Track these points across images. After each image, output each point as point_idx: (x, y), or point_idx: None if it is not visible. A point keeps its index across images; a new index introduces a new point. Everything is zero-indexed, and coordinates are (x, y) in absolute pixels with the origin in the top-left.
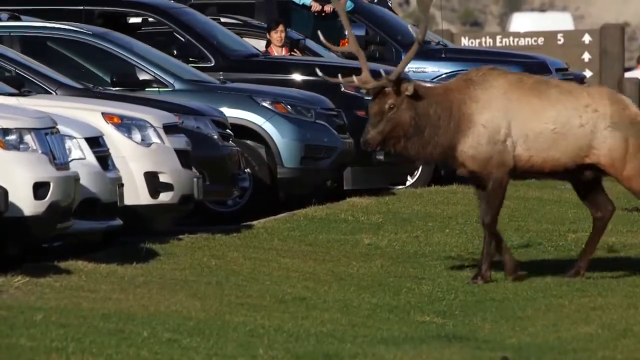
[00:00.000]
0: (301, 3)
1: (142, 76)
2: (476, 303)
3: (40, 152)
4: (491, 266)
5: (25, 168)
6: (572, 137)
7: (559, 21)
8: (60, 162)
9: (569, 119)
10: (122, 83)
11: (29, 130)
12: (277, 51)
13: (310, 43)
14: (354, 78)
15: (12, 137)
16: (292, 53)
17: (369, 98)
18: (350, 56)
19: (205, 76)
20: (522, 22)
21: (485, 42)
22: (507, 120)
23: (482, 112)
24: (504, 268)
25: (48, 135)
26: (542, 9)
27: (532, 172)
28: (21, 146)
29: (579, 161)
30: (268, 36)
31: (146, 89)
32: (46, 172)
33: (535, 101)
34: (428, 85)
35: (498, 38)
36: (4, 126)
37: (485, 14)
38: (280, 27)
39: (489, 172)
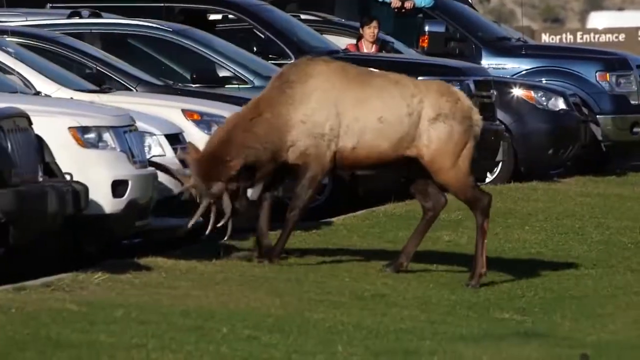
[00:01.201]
0: (384, 0)
1: (222, 73)
2: (556, 300)
3: (119, 150)
4: (280, 253)
5: (104, 166)
6: (398, 127)
7: (637, 20)
8: (138, 160)
9: (396, 108)
10: (202, 80)
11: (108, 128)
12: (368, 47)
13: (391, 39)
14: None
15: (91, 135)
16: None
17: None
18: (431, 53)
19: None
20: (599, 21)
21: (566, 39)
22: (327, 112)
23: (299, 109)
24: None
25: (127, 133)
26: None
27: (358, 166)
28: (100, 144)
29: (401, 152)
30: (360, 31)
31: (226, 86)
32: (125, 170)
33: (359, 90)
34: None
35: (579, 34)
36: (83, 124)
37: (566, 11)
38: (374, 23)
39: (305, 164)
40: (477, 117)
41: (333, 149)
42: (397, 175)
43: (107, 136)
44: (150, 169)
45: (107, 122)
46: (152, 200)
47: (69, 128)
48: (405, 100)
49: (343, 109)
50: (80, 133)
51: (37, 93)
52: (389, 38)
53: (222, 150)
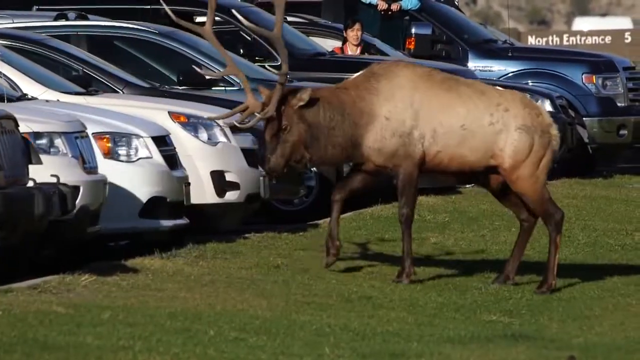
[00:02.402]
0: (367, 2)
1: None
2: (543, 302)
3: (70, 155)
4: (413, 262)
5: (55, 172)
6: (480, 135)
7: (620, 25)
8: (89, 165)
9: (479, 117)
10: (189, 82)
11: (59, 134)
12: (352, 49)
13: (375, 42)
14: (241, 109)
15: (42, 141)
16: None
17: None
18: (417, 55)
19: (271, 75)
20: (584, 27)
21: (552, 41)
22: (412, 112)
23: (384, 104)
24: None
25: (78, 139)
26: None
27: (439, 169)
28: (51, 150)
29: (485, 162)
30: (344, 34)
31: (212, 88)
32: (76, 175)
33: (445, 96)
34: (318, 89)
35: (565, 37)
36: (35, 130)
37: (552, 13)
38: (357, 26)
39: (396, 165)
40: (555, 132)
41: (421, 149)
42: (477, 183)
43: (58, 142)
44: (101, 174)
45: (59, 128)
46: (102, 206)
47: (22, 134)
48: (489, 109)
49: (427, 112)
50: (32, 138)
51: (24, 95)
52: (372, 40)
53: (300, 89)
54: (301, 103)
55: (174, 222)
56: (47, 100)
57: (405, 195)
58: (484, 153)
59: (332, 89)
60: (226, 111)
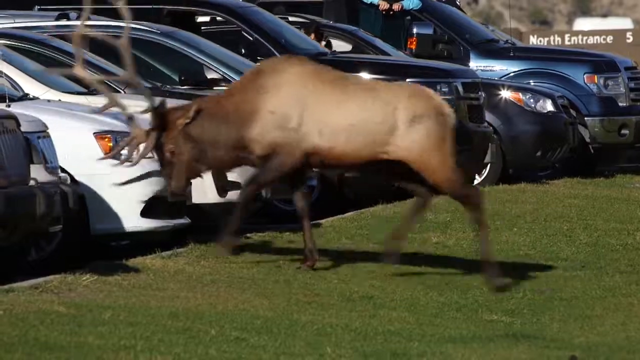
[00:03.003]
0: (369, 2)
1: (210, 75)
2: (544, 302)
3: None
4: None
5: None
6: (371, 132)
7: (621, 26)
8: (51, 166)
9: (369, 114)
10: (190, 82)
11: None
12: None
13: (377, 42)
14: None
15: None
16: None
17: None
18: (419, 55)
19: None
20: (584, 27)
21: (554, 41)
22: (299, 108)
23: (269, 100)
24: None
25: (40, 139)
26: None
27: (334, 165)
28: None
29: (379, 157)
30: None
31: (214, 88)
32: (38, 176)
33: (334, 93)
34: (200, 101)
35: (567, 37)
36: None
37: (554, 13)
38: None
39: (274, 152)
40: (448, 110)
41: (307, 145)
42: (386, 179)
43: None
44: (63, 175)
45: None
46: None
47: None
48: (378, 107)
49: (315, 109)
50: None
51: (26, 95)
52: (373, 40)
53: (184, 107)
54: (186, 120)
55: (175, 222)
56: (48, 100)
57: (264, 176)
58: (378, 148)
59: (216, 99)
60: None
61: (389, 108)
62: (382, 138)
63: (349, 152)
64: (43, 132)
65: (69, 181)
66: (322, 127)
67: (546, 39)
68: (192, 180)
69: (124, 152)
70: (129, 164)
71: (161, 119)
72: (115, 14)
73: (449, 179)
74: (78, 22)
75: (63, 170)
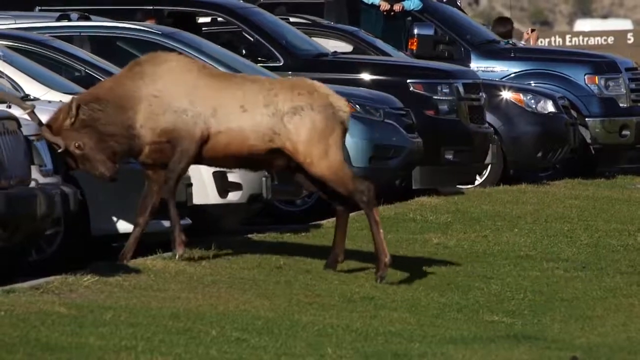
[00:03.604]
0: (370, 2)
1: None
2: (545, 302)
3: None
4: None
5: None
6: (258, 116)
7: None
8: (46, 169)
9: (255, 99)
10: None
11: None
12: None
13: (377, 42)
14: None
15: None
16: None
17: (437, 98)
18: (420, 56)
19: (274, 75)
20: (584, 28)
21: (555, 42)
22: (186, 90)
23: (150, 84)
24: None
25: (34, 142)
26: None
27: (218, 153)
28: None
29: (265, 146)
30: None
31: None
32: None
33: (220, 78)
34: (78, 98)
35: (567, 37)
36: None
37: (555, 14)
38: None
39: (172, 140)
40: (339, 103)
41: (202, 126)
42: (261, 169)
43: None
44: (57, 177)
45: None
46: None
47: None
48: (262, 93)
49: (204, 92)
50: None
51: (26, 96)
52: (374, 40)
53: (62, 109)
54: (71, 119)
55: None
56: (49, 101)
57: (173, 168)
58: (263, 136)
59: (91, 90)
60: None
61: (270, 94)
62: (268, 125)
63: (238, 138)
64: (38, 135)
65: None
66: (215, 109)
67: (547, 39)
68: (192, 181)
69: None
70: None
71: (50, 129)
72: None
73: (334, 172)
74: (79, 23)
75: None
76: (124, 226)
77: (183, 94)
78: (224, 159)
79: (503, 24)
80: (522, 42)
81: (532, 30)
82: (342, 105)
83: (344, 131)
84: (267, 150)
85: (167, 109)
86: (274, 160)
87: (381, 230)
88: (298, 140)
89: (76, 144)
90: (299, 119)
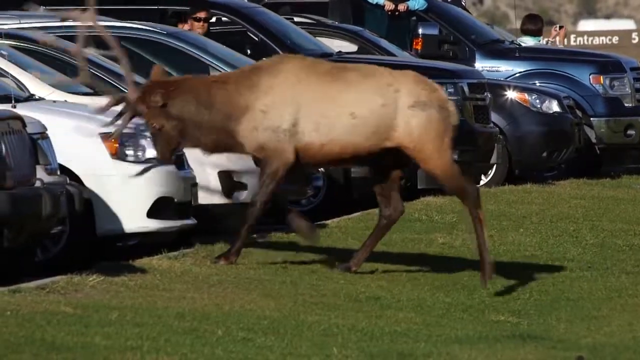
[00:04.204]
0: (374, 2)
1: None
2: (551, 302)
3: None
4: (239, 252)
5: None
6: (373, 120)
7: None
8: (51, 168)
9: (369, 101)
10: None
11: None
12: None
13: (382, 42)
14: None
15: None
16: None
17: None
18: (425, 55)
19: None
20: (588, 28)
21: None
22: (293, 107)
23: (260, 98)
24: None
25: (39, 140)
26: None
27: (333, 160)
28: None
29: (380, 144)
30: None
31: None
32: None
33: (330, 85)
34: (189, 81)
35: (572, 37)
36: None
37: (560, 13)
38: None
39: (265, 157)
40: (452, 108)
41: (299, 145)
42: (374, 169)
43: None
44: (62, 176)
45: None
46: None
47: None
48: (379, 91)
49: (309, 105)
50: None
51: (31, 96)
52: (379, 40)
53: (172, 82)
54: (157, 104)
55: (181, 223)
56: (54, 101)
57: (264, 189)
58: (380, 136)
59: (207, 82)
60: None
61: (390, 90)
62: (384, 124)
63: (350, 145)
64: (42, 134)
65: (68, 182)
66: (319, 122)
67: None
68: (197, 181)
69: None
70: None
71: (143, 97)
72: (117, 14)
73: (446, 170)
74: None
75: (69, 171)
76: (129, 226)
77: (288, 112)
78: (330, 163)
79: (533, 22)
80: (551, 40)
81: (560, 27)
82: (454, 112)
83: (453, 134)
84: (380, 149)
85: (268, 127)
86: (382, 158)
87: (486, 232)
88: (417, 135)
89: (154, 124)
90: (421, 114)
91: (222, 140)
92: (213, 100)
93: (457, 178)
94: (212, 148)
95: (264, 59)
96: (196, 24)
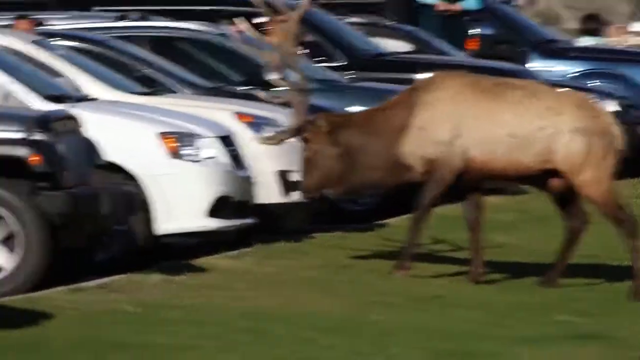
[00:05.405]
0: (428, 2)
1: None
2: (614, 302)
3: None
4: (411, 257)
5: None
6: (530, 141)
7: None
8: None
9: (528, 122)
10: (251, 82)
11: None
12: None
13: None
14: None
15: None
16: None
17: None
18: (479, 55)
19: (334, 75)
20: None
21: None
22: (453, 122)
23: (418, 115)
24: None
25: None
26: None
27: (495, 176)
28: None
29: (540, 166)
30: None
31: (271, 89)
32: None
33: (491, 104)
34: (351, 113)
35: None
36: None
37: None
38: None
39: (433, 169)
40: (617, 132)
41: (464, 157)
42: (539, 187)
43: None
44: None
45: None
46: None
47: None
48: (539, 114)
49: (470, 123)
50: None
51: (86, 96)
52: (433, 40)
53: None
54: (322, 129)
55: (241, 222)
56: (109, 101)
57: (429, 192)
58: (538, 158)
59: (369, 111)
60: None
61: (551, 113)
62: (543, 146)
63: (508, 163)
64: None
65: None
66: (479, 139)
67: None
68: (256, 180)
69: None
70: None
71: (310, 120)
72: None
73: (604, 198)
74: (138, 23)
75: (127, 171)
76: (188, 225)
77: (449, 127)
78: (490, 180)
79: (593, 21)
80: (610, 38)
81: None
82: (619, 137)
83: (616, 160)
84: (540, 170)
85: (432, 142)
86: (545, 179)
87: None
88: (576, 161)
89: (315, 147)
90: (581, 139)
91: (390, 169)
92: (375, 127)
93: (614, 208)
94: (379, 180)
95: (419, 78)
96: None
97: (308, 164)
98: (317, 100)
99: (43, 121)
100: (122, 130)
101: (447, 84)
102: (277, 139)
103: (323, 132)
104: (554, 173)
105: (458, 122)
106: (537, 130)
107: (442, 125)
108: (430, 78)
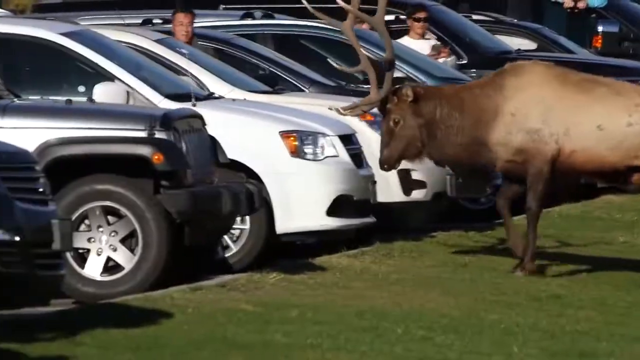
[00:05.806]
0: (554, 0)
1: (395, 74)
2: None
3: None
4: (534, 258)
5: None
6: (619, 136)
7: None
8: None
9: (616, 117)
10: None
11: None
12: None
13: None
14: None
15: None
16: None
17: None
18: (605, 53)
19: (458, 73)
20: None
21: None
22: (542, 109)
23: (509, 101)
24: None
25: None
26: None
27: (576, 170)
28: None
29: (627, 162)
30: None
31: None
32: None
33: (579, 96)
34: (435, 86)
35: None
36: None
37: None
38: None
39: (525, 161)
40: None
41: (554, 146)
42: (617, 183)
43: None
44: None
45: None
46: None
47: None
48: (627, 110)
49: (559, 111)
50: None
51: (211, 94)
52: (558, 37)
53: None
54: (408, 99)
55: (361, 221)
56: (233, 99)
57: (533, 191)
58: (625, 153)
59: (455, 88)
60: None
61: (638, 111)
62: (632, 142)
63: (595, 157)
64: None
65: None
66: (567, 128)
67: None
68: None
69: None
70: (352, 112)
71: (394, 91)
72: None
73: None
74: (263, 21)
75: (248, 169)
76: (308, 224)
77: (538, 114)
78: (579, 175)
79: None
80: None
81: None
82: None
83: None
84: (629, 167)
85: (521, 129)
86: (633, 176)
87: None
88: None
89: (397, 117)
90: None
91: (469, 148)
92: (463, 104)
93: None
94: (454, 157)
95: (508, 64)
96: (416, 24)
97: (388, 134)
98: None
99: (166, 120)
100: (245, 128)
101: (538, 71)
102: (359, 109)
103: (407, 103)
104: (636, 169)
105: (546, 109)
106: (626, 127)
107: (532, 111)
108: (520, 63)
